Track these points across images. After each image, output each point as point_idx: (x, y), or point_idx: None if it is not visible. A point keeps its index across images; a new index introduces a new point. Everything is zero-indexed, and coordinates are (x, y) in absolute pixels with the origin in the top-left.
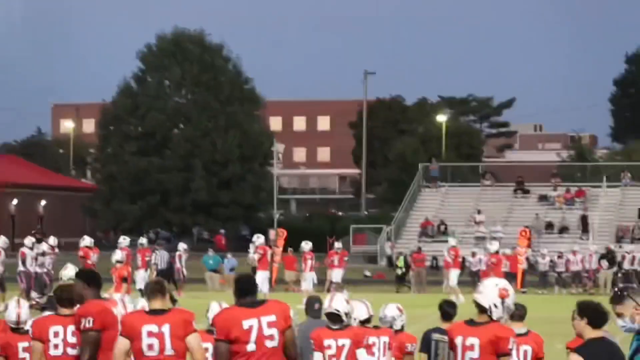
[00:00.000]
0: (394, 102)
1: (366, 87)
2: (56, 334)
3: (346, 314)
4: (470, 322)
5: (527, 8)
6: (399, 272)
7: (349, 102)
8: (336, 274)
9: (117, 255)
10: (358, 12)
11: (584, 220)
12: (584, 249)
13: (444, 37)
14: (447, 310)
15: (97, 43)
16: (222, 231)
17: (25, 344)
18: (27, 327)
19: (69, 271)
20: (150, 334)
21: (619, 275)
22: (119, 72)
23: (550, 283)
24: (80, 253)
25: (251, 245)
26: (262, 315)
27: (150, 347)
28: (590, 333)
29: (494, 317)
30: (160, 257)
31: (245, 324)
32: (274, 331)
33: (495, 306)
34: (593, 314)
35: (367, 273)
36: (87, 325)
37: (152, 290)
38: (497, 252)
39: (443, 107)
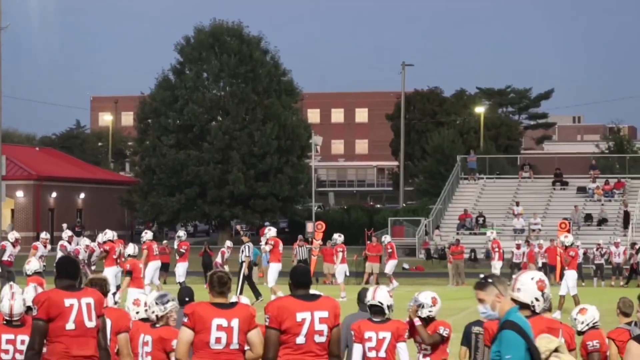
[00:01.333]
0: (431, 93)
1: (404, 79)
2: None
3: (389, 307)
4: None
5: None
6: None
7: (386, 94)
8: (389, 266)
9: (130, 249)
10: (395, 4)
11: (625, 214)
12: (625, 241)
13: (481, 29)
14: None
15: (135, 36)
16: (267, 223)
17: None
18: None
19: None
20: (220, 327)
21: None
22: (157, 65)
23: (589, 275)
24: (106, 247)
25: (262, 237)
26: (316, 309)
27: (218, 340)
28: None
29: (537, 311)
30: (248, 249)
31: (299, 316)
32: (324, 327)
33: (537, 299)
34: None
35: (406, 266)
36: (33, 313)
37: (220, 283)
38: (572, 245)
39: (481, 98)
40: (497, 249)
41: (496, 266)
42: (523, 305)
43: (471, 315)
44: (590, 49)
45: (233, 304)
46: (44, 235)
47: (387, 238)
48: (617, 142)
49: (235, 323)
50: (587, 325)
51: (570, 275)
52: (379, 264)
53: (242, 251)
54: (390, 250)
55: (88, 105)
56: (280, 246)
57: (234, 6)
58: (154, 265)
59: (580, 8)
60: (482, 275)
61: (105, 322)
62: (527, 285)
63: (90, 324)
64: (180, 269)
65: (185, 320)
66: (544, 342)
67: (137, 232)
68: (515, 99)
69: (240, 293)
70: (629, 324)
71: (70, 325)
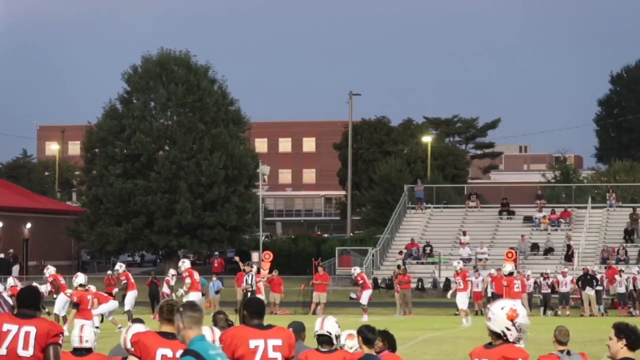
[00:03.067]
0: (379, 123)
1: (351, 109)
2: None
3: (337, 337)
4: (488, 345)
5: (511, 30)
6: None
7: (334, 124)
8: (365, 296)
9: (79, 279)
10: (343, 34)
11: (568, 247)
12: (571, 271)
13: (428, 59)
14: (366, 335)
15: (82, 65)
16: (217, 253)
17: None
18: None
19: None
20: (164, 357)
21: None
22: (104, 94)
23: (536, 304)
24: (74, 298)
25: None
26: (269, 337)
27: None
28: (625, 354)
29: (511, 340)
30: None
31: (252, 344)
32: (278, 355)
33: (508, 329)
34: (631, 336)
35: (353, 295)
36: None
37: (169, 311)
38: (511, 274)
39: (428, 128)
40: (461, 280)
41: (461, 297)
42: (496, 335)
43: (418, 345)
44: (537, 79)
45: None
46: None
47: (356, 270)
48: (563, 171)
49: (180, 354)
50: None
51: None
52: (326, 293)
53: (245, 280)
54: (361, 282)
55: (35, 135)
56: (196, 275)
57: (182, 36)
58: (196, 295)
59: (526, 38)
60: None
61: (57, 353)
62: (497, 314)
63: (24, 352)
64: (129, 297)
65: (131, 349)
66: None
67: (84, 262)
68: (462, 128)
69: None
70: (561, 351)
71: (2, 351)
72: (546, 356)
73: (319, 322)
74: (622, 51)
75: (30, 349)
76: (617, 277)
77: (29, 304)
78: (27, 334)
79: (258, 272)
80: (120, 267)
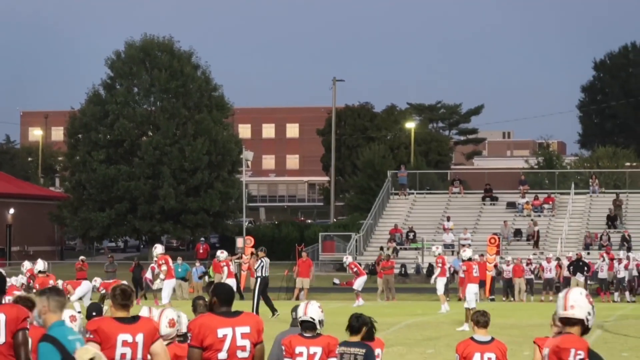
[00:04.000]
0: (362, 109)
1: (335, 95)
2: None
3: (320, 322)
4: (560, 334)
5: (494, 15)
6: None
7: (317, 110)
8: (359, 282)
9: (39, 265)
10: (327, 20)
11: (537, 234)
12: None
13: (412, 44)
14: (352, 324)
15: (66, 50)
16: (202, 239)
17: None
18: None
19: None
20: (125, 343)
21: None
22: (87, 80)
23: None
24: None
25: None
26: (237, 325)
27: (123, 356)
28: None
29: (590, 325)
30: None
31: (220, 332)
32: (246, 342)
33: (590, 314)
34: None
35: (336, 281)
36: None
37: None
38: (469, 259)
39: (411, 114)
40: (441, 265)
41: (439, 282)
42: (577, 322)
43: (401, 330)
44: (520, 65)
45: (135, 318)
46: None
47: (348, 258)
48: (546, 157)
49: (140, 338)
50: None
51: (470, 288)
52: (309, 279)
53: (260, 267)
54: (355, 269)
55: (18, 120)
56: (170, 262)
57: (165, 21)
58: (171, 282)
59: (509, 24)
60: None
61: (25, 337)
62: (581, 302)
63: None
64: (168, 287)
65: (90, 336)
66: (80, 354)
67: (67, 248)
68: (446, 114)
69: (256, 310)
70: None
71: None
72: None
73: (302, 308)
74: (605, 38)
75: (2, 336)
76: (615, 263)
77: None
78: (242, 334)
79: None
80: (156, 249)
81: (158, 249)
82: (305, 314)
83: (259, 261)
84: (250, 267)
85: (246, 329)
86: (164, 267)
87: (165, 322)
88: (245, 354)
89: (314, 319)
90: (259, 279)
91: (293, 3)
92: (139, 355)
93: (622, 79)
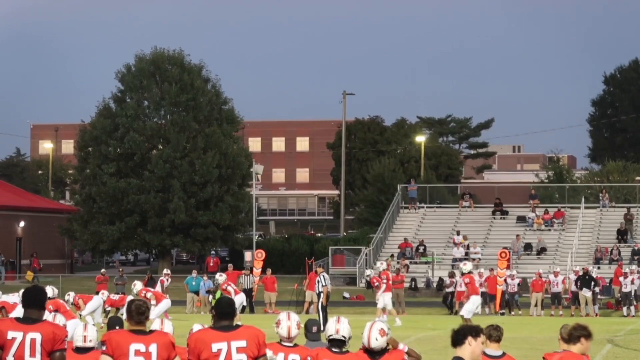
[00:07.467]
0: (372, 122)
1: (345, 108)
2: None
3: (349, 339)
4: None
5: (505, 30)
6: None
7: (327, 123)
8: (387, 299)
9: (49, 291)
10: (337, 34)
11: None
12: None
13: (422, 58)
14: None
15: (76, 64)
16: (213, 252)
17: None
18: None
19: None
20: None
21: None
22: (98, 93)
23: (527, 304)
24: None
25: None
26: (232, 339)
27: None
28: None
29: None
30: (324, 279)
31: (214, 347)
32: (242, 357)
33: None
34: None
35: (346, 294)
36: None
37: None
38: (470, 273)
39: (422, 127)
40: (385, 281)
41: (385, 298)
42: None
43: (411, 344)
44: (531, 79)
45: (151, 332)
46: None
47: (383, 265)
48: (556, 171)
49: (153, 348)
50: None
51: (472, 300)
52: None
53: (318, 281)
54: (377, 283)
55: (28, 133)
56: (151, 289)
57: (175, 34)
58: (166, 303)
59: (520, 38)
60: None
61: (63, 358)
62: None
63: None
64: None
65: (104, 348)
66: None
67: (76, 261)
68: (456, 128)
69: (324, 325)
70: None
71: (9, 359)
72: (551, 354)
73: (332, 325)
74: (615, 52)
75: (37, 355)
76: (620, 278)
77: (34, 304)
78: (32, 341)
79: (251, 271)
80: (135, 286)
81: (137, 285)
82: (337, 333)
83: (319, 276)
84: (265, 280)
85: (242, 343)
86: (149, 295)
87: None
88: None
89: (345, 338)
90: (321, 294)
91: (303, 17)
92: None
93: (632, 93)
